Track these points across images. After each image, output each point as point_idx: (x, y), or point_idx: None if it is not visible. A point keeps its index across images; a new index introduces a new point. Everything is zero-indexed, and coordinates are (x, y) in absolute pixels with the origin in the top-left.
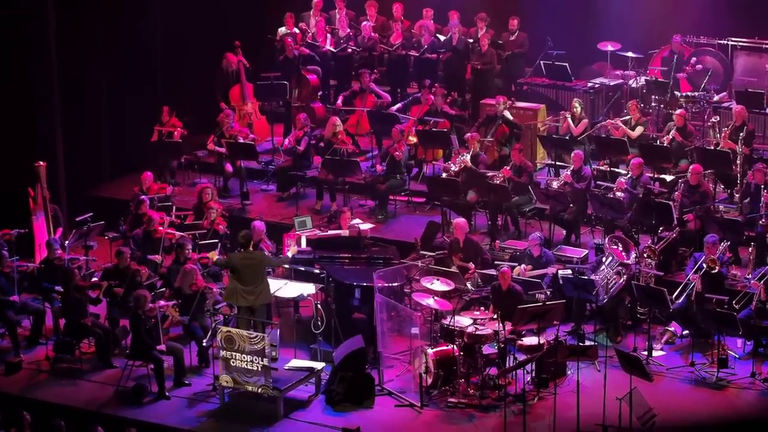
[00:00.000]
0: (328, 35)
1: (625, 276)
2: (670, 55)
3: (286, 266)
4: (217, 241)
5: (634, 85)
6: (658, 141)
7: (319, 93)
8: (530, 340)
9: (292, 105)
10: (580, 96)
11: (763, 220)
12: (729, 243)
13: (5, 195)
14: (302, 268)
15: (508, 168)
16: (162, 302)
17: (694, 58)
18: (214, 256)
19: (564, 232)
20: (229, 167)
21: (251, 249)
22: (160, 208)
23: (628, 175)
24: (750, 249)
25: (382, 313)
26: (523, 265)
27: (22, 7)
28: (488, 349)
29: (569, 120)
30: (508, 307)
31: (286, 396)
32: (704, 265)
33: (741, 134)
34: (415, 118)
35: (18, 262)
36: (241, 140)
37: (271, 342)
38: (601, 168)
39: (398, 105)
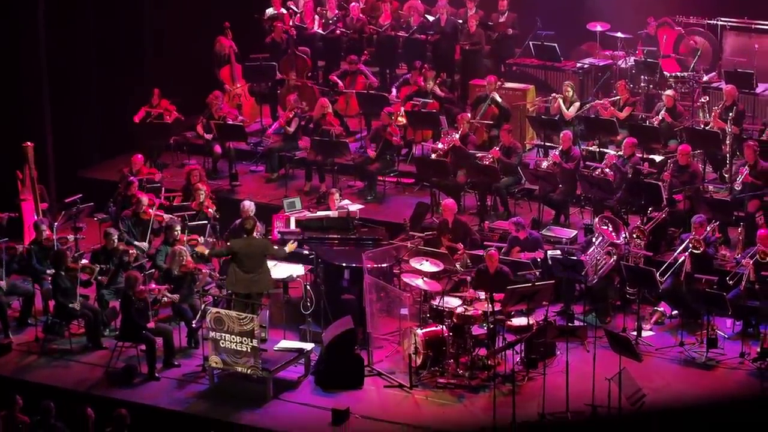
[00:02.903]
0: (316, 17)
1: (614, 256)
2: (648, 35)
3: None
4: (206, 222)
5: (623, 65)
6: (647, 121)
7: (309, 73)
8: (519, 321)
9: (289, 84)
10: (570, 77)
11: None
12: (718, 223)
13: None
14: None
15: (497, 148)
16: (154, 285)
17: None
18: (203, 249)
19: (553, 212)
20: (218, 148)
21: (254, 236)
22: (149, 190)
23: (619, 154)
24: (739, 229)
25: (371, 294)
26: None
27: None
28: (477, 330)
29: (560, 101)
30: (496, 289)
31: (275, 377)
32: (690, 246)
33: (731, 114)
34: (404, 100)
35: (7, 243)
36: (230, 122)
37: (261, 323)
38: (590, 148)
39: (394, 91)
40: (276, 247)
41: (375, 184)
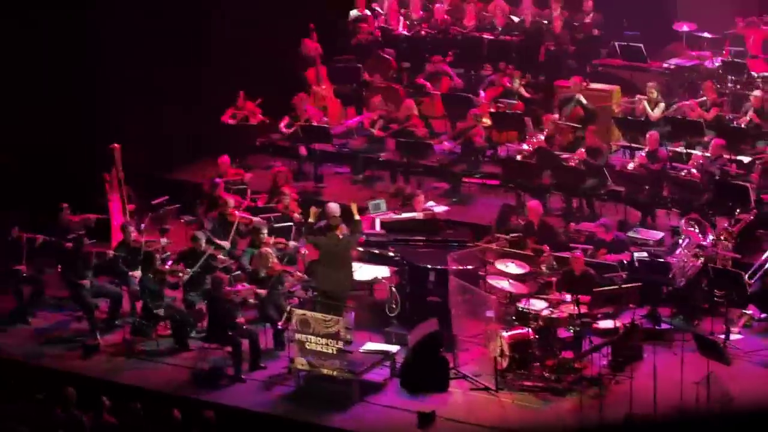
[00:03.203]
0: (401, 18)
1: (701, 258)
2: (735, 35)
3: (360, 249)
4: (291, 224)
5: (710, 65)
6: (734, 122)
7: (394, 75)
8: (606, 324)
9: (374, 86)
10: (655, 78)
11: None
12: None
13: (82, 178)
14: (377, 251)
15: (583, 150)
16: (240, 286)
17: None
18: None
19: (639, 214)
20: (303, 150)
21: (338, 235)
22: (236, 192)
23: (707, 155)
24: None
25: (456, 296)
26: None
27: None
28: (564, 333)
29: (645, 103)
30: (581, 291)
31: (360, 379)
32: None
33: None
34: (489, 101)
35: (95, 245)
36: (315, 123)
37: (346, 325)
38: (677, 150)
39: (481, 93)
40: (354, 234)
41: (460, 186)
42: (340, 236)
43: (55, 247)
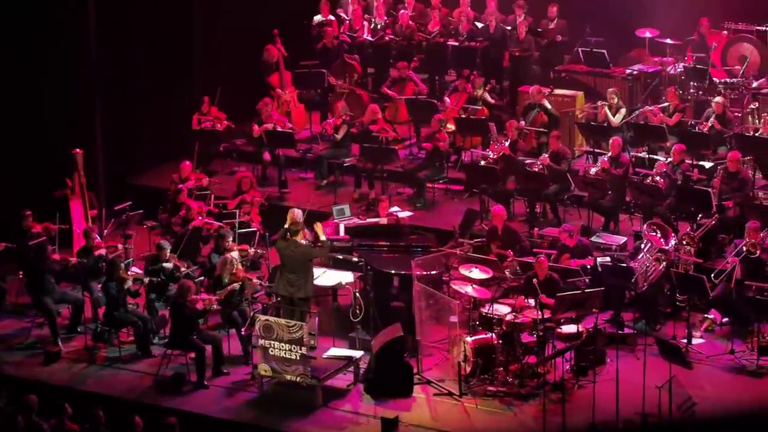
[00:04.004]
0: (365, 24)
1: (664, 263)
2: (699, 39)
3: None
4: (255, 230)
5: (672, 71)
6: (697, 128)
7: (360, 80)
8: (569, 329)
9: (338, 91)
10: (619, 83)
11: None
12: None
13: (45, 184)
14: (341, 257)
15: (546, 155)
16: (205, 294)
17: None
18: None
19: (602, 219)
20: (267, 155)
21: (298, 240)
22: (198, 197)
23: (669, 161)
24: None
25: (420, 302)
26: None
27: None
28: (527, 337)
29: (606, 110)
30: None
31: (324, 385)
32: (744, 249)
33: None
34: (454, 107)
35: (57, 252)
36: (279, 129)
37: (310, 331)
38: (640, 155)
39: (446, 98)
40: (317, 249)
41: (424, 191)
42: (303, 242)
43: (17, 254)
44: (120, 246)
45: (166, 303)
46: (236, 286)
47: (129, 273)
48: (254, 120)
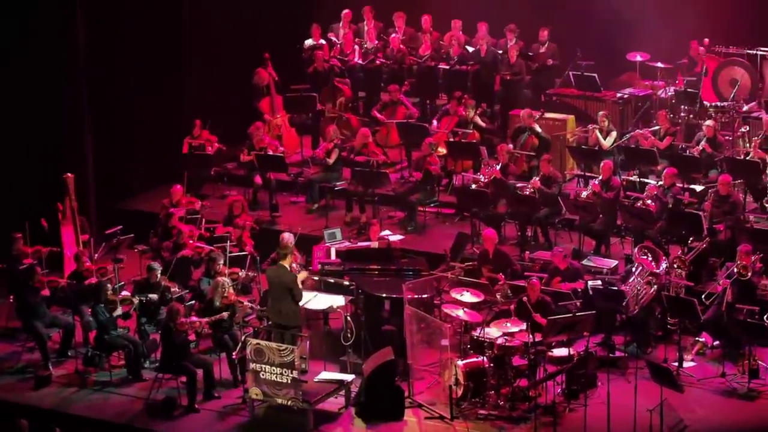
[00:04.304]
0: (356, 47)
1: (655, 286)
2: (689, 62)
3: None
4: (246, 254)
5: (663, 95)
6: (687, 151)
7: (350, 104)
8: (560, 352)
9: (327, 116)
10: (609, 107)
11: None
12: (761, 254)
13: (36, 208)
14: (332, 280)
15: (537, 179)
16: (195, 318)
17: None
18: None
19: (594, 242)
20: (258, 179)
21: (287, 266)
22: (189, 221)
23: (660, 184)
24: None
25: (411, 325)
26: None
27: (54, 19)
28: (518, 361)
29: (597, 133)
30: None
31: (315, 408)
32: (735, 272)
33: None
34: (445, 130)
35: (48, 276)
36: (271, 152)
37: (301, 354)
38: (631, 178)
39: (434, 122)
40: (300, 287)
41: (415, 215)
42: (293, 267)
43: (7, 277)
44: (110, 268)
45: (157, 327)
46: (225, 315)
47: (119, 295)
48: (245, 144)
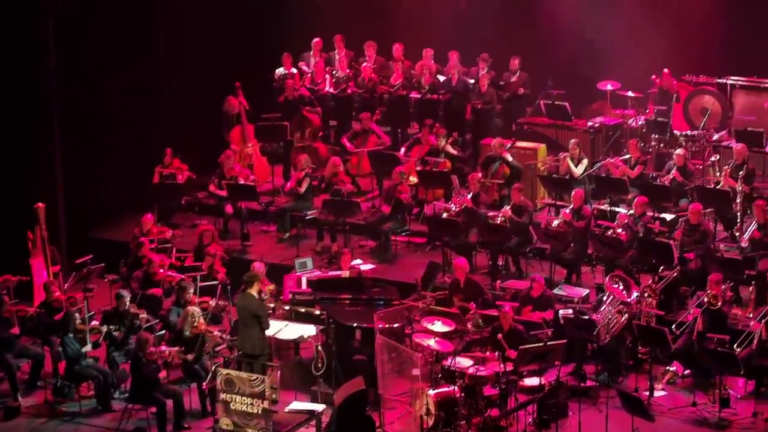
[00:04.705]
0: (327, 76)
1: (626, 315)
2: (659, 93)
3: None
4: (216, 283)
5: (633, 124)
6: (658, 180)
7: (320, 133)
8: (531, 381)
9: (296, 145)
10: (580, 136)
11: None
12: (731, 283)
13: (5, 238)
14: (303, 310)
15: (508, 207)
16: (164, 347)
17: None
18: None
19: (565, 271)
20: (229, 208)
21: (254, 293)
22: (160, 251)
23: (631, 213)
24: (750, 288)
25: (382, 355)
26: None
27: (24, 46)
28: (489, 390)
29: (569, 161)
30: (511, 347)
31: None
32: (705, 301)
33: (741, 173)
34: (416, 159)
35: (18, 306)
36: (242, 181)
37: (272, 384)
38: (602, 207)
39: (403, 149)
40: (267, 318)
41: (390, 244)
42: (262, 295)
43: None
44: (80, 297)
45: (126, 356)
46: (189, 358)
47: (88, 325)
48: (216, 173)
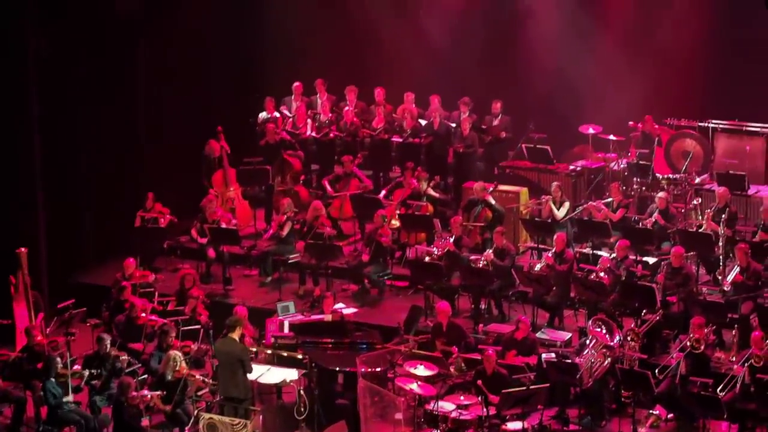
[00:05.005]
0: (309, 120)
1: (609, 359)
2: (641, 137)
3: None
4: (199, 327)
5: (615, 167)
6: (640, 223)
7: (302, 177)
8: (514, 425)
9: (276, 189)
10: (562, 179)
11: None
12: (714, 327)
13: None
14: (285, 354)
15: (491, 251)
16: (146, 391)
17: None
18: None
19: (547, 315)
20: (211, 252)
21: (236, 338)
22: (142, 295)
23: (613, 256)
24: (733, 332)
25: (365, 399)
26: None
27: (6, 96)
28: None
29: (551, 203)
30: (493, 391)
31: None
32: (688, 345)
33: (723, 216)
34: (398, 203)
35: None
36: (224, 225)
37: (254, 429)
38: (584, 251)
39: (383, 191)
40: (250, 363)
41: (381, 284)
42: (246, 340)
43: None
44: (62, 341)
45: (108, 401)
46: (168, 409)
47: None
48: (198, 217)
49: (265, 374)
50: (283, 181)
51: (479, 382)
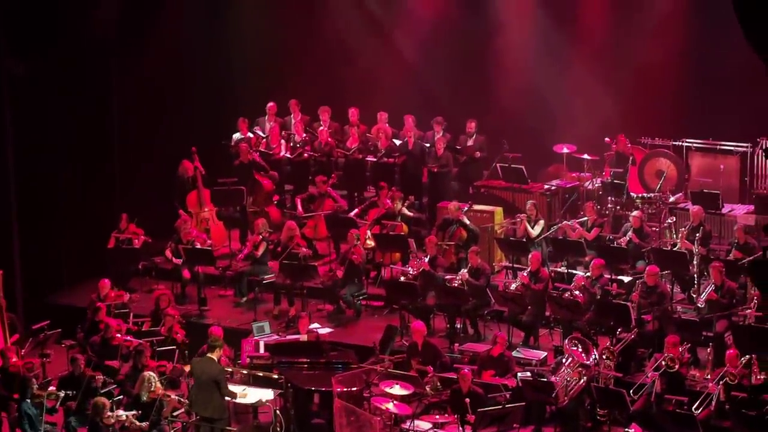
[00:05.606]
0: (283, 141)
1: (584, 377)
2: (615, 156)
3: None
4: (175, 348)
5: (590, 187)
6: (615, 242)
7: (275, 198)
8: None
9: (248, 210)
10: (537, 198)
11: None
12: (689, 345)
13: None
14: (261, 374)
15: (466, 271)
16: (121, 411)
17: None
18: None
19: (523, 334)
20: (186, 273)
21: (214, 358)
22: (117, 315)
23: (588, 275)
24: (708, 350)
25: (341, 418)
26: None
27: None
28: None
29: (526, 222)
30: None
31: None
32: (663, 363)
33: (697, 235)
34: (371, 222)
35: None
36: (199, 246)
37: None
38: (559, 269)
39: (355, 210)
40: (228, 386)
41: (356, 304)
42: (222, 359)
43: None
44: (37, 363)
45: (84, 421)
46: (145, 427)
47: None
48: (172, 238)
49: (240, 395)
50: (255, 203)
51: (467, 400)
